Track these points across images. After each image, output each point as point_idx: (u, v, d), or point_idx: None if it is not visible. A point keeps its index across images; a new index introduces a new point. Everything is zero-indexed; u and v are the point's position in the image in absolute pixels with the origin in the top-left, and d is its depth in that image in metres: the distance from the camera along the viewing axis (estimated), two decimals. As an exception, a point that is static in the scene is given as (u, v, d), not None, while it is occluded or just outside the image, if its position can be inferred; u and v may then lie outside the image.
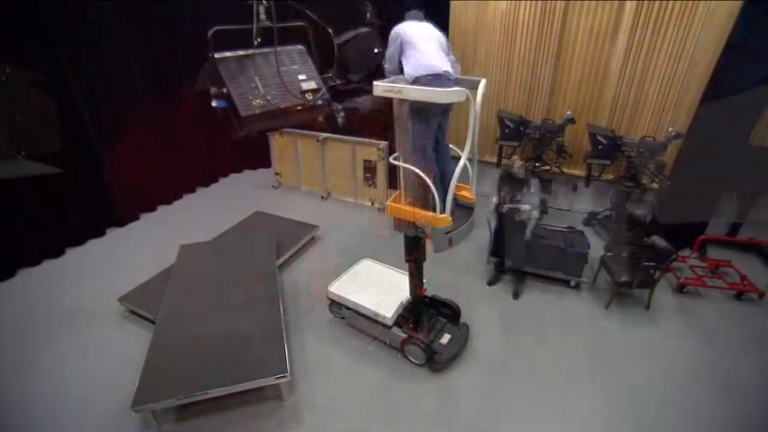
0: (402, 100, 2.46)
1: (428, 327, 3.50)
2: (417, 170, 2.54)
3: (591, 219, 5.67)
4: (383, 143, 5.62)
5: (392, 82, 2.55)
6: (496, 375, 3.37)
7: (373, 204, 6.13)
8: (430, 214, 2.66)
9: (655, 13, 4.69)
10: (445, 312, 3.76)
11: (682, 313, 4.11)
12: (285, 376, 2.96)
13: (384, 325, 3.47)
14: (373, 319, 3.50)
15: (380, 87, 2.42)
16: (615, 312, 4.08)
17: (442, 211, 2.62)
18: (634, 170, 4.97)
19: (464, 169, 2.58)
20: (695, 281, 4.38)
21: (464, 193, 3.06)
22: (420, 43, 2.56)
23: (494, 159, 5.86)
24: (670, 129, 4.74)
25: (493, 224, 4.50)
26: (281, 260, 4.58)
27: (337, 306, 3.78)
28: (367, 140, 5.73)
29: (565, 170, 5.56)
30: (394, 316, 3.42)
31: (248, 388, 2.95)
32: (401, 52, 2.58)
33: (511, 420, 3.01)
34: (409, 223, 2.83)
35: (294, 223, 5.24)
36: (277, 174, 6.70)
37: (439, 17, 5.46)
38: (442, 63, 2.55)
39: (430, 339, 3.41)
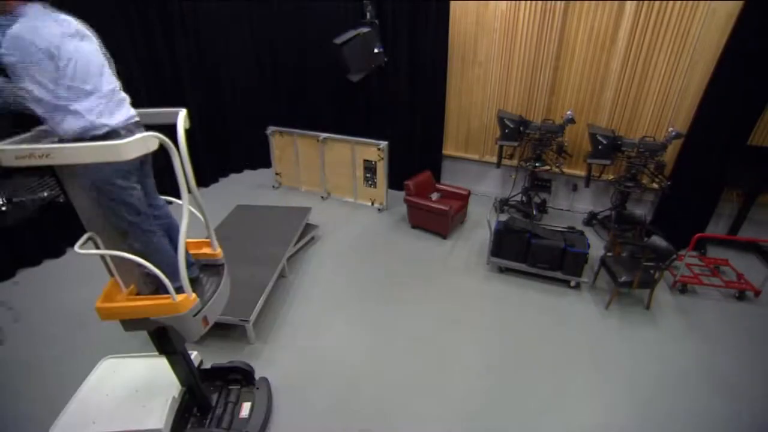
0: (64, 168, 1.83)
1: (222, 405, 2.88)
2: (132, 257, 1.99)
3: (591, 219, 5.68)
4: (383, 143, 5.62)
5: (35, 135, 1.87)
6: (494, 375, 3.38)
7: (373, 204, 6.13)
8: (164, 300, 2.05)
9: (655, 13, 4.70)
10: (236, 377, 3.09)
11: (682, 313, 4.11)
12: (247, 321, 3.48)
13: None
14: None
15: (11, 151, 1.59)
16: (615, 312, 4.08)
17: (180, 290, 2.04)
18: (634, 170, 4.98)
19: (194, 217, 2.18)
20: (691, 279, 4.39)
21: (205, 250, 2.54)
22: (89, 67, 1.89)
23: (494, 159, 5.87)
24: (670, 129, 4.74)
25: (494, 224, 4.51)
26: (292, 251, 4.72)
27: None
28: (367, 140, 5.73)
29: (565, 170, 5.57)
30: (168, 420, 2.53)
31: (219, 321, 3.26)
32: (50, 80, 1.71)
33: (511, 420, 3.02)
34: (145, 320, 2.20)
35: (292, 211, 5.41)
36: (277, 174, 6.70)
37: (439, 17, 5.52)
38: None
39: (228, 421, 2.78)
